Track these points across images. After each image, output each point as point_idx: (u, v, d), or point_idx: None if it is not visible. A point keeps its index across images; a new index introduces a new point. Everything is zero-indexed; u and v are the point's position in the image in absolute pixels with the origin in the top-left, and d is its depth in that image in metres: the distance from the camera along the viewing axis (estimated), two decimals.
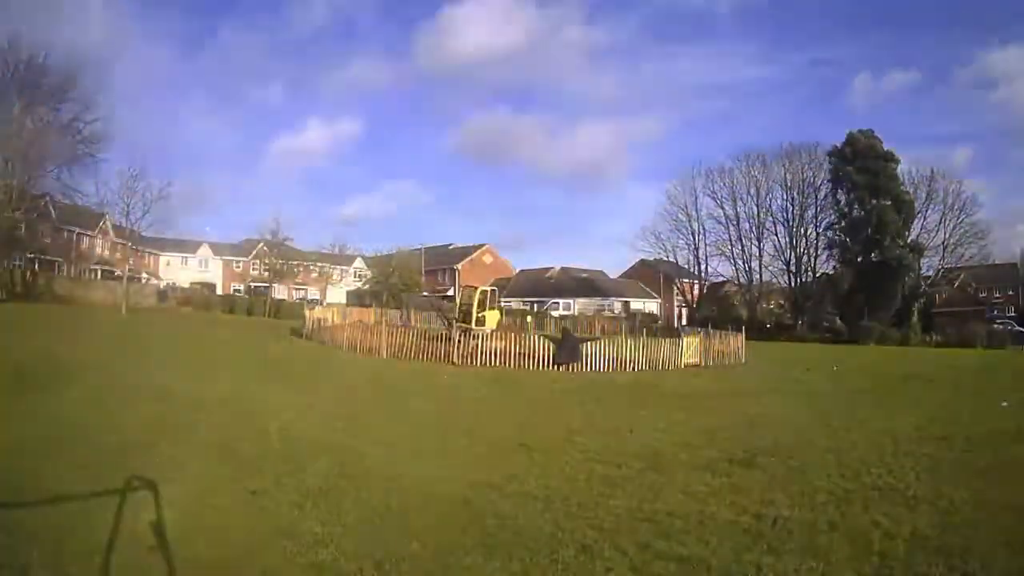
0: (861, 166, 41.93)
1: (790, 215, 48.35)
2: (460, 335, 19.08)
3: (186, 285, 50.65)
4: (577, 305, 54.02)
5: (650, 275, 59.74)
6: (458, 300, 25.28)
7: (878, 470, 6.38)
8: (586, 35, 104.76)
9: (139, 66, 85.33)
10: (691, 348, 20.29)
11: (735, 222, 50.17)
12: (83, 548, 3.92)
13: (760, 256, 49.81)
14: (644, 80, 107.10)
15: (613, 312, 52.62)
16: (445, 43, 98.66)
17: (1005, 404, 11.01)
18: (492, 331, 20.93)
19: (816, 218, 47.50)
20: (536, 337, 19.55)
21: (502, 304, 50.22)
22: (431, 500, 5.29)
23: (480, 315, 21.40)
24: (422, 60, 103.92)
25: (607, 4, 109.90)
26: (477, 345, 18.41)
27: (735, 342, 22.22)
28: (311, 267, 56.13)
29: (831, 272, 45.78)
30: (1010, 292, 56.31)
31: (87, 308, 30.31)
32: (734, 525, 4.75)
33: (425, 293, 26.03)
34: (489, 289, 24.08)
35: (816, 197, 47.23)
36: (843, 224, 44.13)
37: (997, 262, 52.42)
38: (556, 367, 17.60)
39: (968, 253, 45.13)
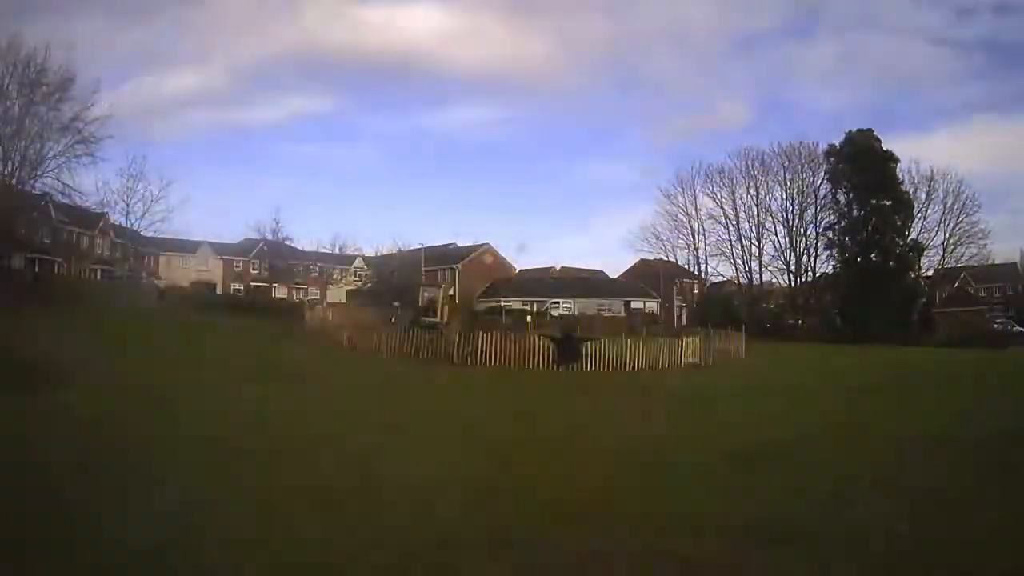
0: (860, 166, 41.91)
1: (790, 215, 48.34)
2: (459, 336, 19.16)
3: (186, 285, 50.63)
4: (577, 305, 53.97)
5: (650, 275, 59.68)
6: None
7: (878, 470, 6.38)
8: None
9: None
10: (691, 348, 20.30)
11: (735, 222, 50.22)
12: None
13: (760, 256, 49.85)
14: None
15: (613, 312, 52.59)
16: None
17: None
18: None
19: (816, 218, 47.46)
20: (536, 337, 19.55)
21: (502, 303, 50.71)
22: (431, 500, 5.29)
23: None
24: None
25: None
26: (475, 344, 18.43)
27: (735, 342, 22.26)
28: (311, 267, 56.23)
29: (831, 272, 45.76)
30: (1010, 292, 56.21)
31: (87, 308, 30.26)
32: (733, 524, 4.75)
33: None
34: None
35: (816, 197, 47.21)
36: (843, 224, 44.08)
37: (997, 262, 52.41)
38: (556, 367, 17.59)
39: (968, 253, 45.22)
